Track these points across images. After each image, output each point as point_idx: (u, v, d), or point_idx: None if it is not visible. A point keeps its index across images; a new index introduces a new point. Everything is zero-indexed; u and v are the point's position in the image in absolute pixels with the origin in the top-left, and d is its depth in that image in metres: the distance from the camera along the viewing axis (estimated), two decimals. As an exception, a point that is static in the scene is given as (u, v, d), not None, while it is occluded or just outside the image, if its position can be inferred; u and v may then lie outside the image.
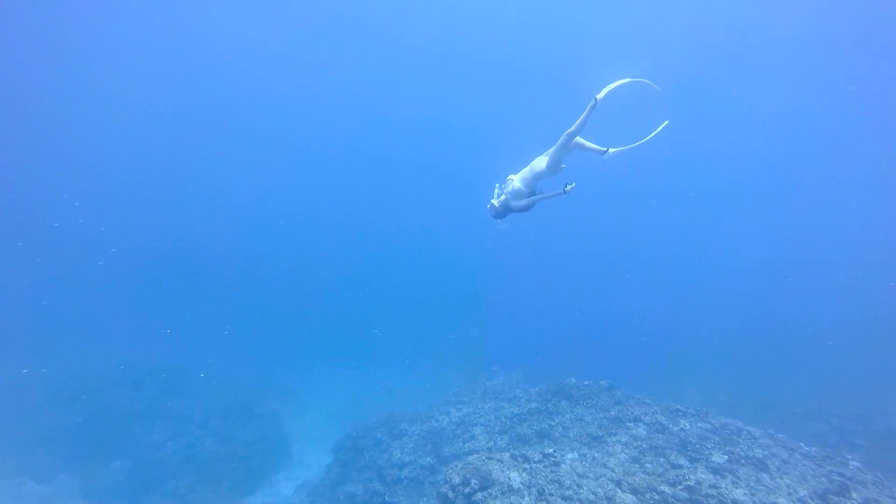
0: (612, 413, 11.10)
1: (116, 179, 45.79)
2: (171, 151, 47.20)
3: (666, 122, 7.13)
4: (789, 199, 42.90)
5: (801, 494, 7.92)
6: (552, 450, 9.03)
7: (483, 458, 8.75)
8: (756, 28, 31.46)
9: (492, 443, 11.65)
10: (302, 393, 31.30)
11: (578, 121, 6.38)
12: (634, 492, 7.92)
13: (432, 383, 24.92)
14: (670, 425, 10.20)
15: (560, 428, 11.10)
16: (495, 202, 7.61)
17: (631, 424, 10.47)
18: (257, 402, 23.09)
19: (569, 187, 6.65)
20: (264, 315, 39.44)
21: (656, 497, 7.83)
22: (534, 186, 7.18)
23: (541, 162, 7.02)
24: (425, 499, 11.98)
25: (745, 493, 7.91)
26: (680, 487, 7.96)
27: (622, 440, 9.79)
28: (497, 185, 7.76)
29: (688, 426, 10.13)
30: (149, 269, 43.06)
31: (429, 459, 12.92)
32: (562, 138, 6.58)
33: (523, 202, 7.19)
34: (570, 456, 9.25)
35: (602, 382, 12.49)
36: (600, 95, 6.34)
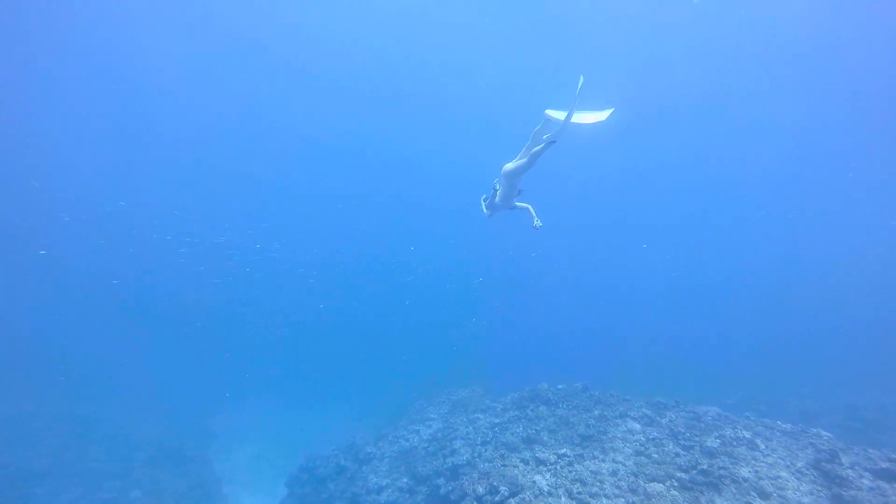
0: (596, 412, 10.98)
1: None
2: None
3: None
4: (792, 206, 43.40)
5: (799, 466, 8.18)
6: (564, 450, 8.65)
7: (498, 465, 8.18)
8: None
9: (476, 454, 11.02)
10: (220, 434, 28.55)
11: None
12: (655, 480, 7.74)
13: (370, 411, 23.65)
14: (658, 418, 10.26)
15: (546, 432, 10.76)
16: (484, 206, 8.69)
17: (619, 421, 10.39)
18: (183, 445, 20.48)
19: (536, 223, 7.75)
20: (167, 350, 35.62)
21: (676, 483, 7.71)
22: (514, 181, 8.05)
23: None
24: (408, 523, 11.04)
25: (750, 471, 8.03)
26: (695, 472, 7.91)
27: (618, 435, 9.65)
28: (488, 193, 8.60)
29: (674, 416, 10.24)
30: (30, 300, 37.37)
31: (406, 480, 11.96)
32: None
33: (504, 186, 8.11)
34: (573, 454, 8.93)
35: (576, 384, 12.40)
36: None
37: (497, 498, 7.12)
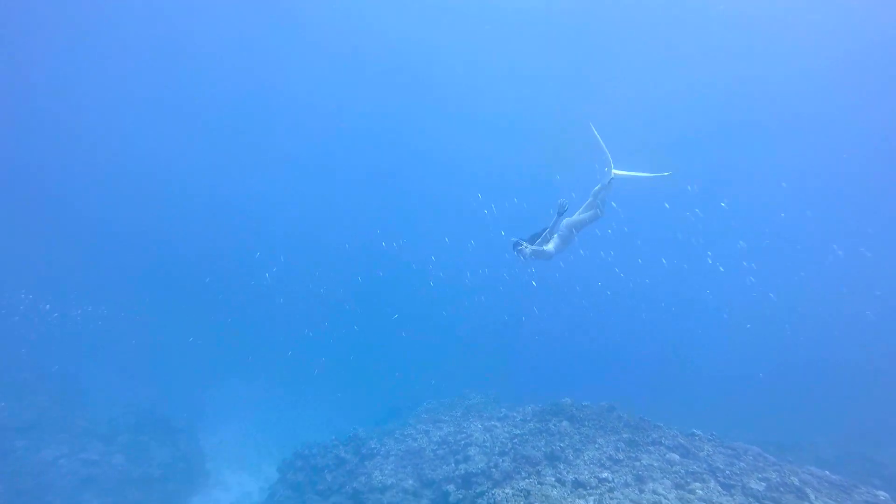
0: (625, 435, 10.15)
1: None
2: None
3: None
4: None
5: (858, 524, 7.40)
6: (605, 474, 7.84)
7: (534, 482, 7.36)
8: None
9: (493, 464, 10.20)
10: (208, 408, 27.63)
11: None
12: (704, 522, 6.95)
13: (370, 405, 22.74)
14: (694, 450, 9.45)
15: (570, 450, 9.92)
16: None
17: (651, 448, 9.58)
18: (174, 415, 19.57)
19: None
20: (166, 318, 34.50)
21: (726, 528, 6.92)
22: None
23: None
24: (412, 528, 10.21)
25: (804, 523, 7.25)
26: (748, 516, 7.13)
27: (654, 464, 8.83)
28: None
29: (711, 451, 9.44)
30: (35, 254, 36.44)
31: (411, 482, 11.14)
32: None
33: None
34: (613, 480, 8.12)
35: (602, 403, 11.60)
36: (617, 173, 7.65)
37: (539, 521, 6.31)
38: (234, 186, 47.33)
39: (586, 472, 8.35)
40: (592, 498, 7.07)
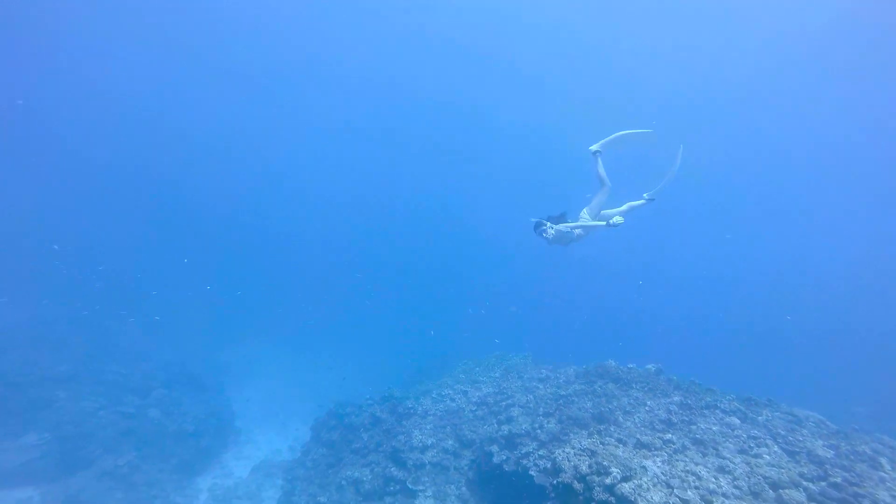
0: (676, 398, 9.68)
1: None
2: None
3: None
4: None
5: (943, 496, 6.87)
6: (670, 436, 7.40)
7: (596, 442, 6.93)
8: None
9: (537, 425, 9.84)
10: (234, 366, 27.88)
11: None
12: (781, 487, 6.49)
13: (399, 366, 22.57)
14: (752, 415, 8.95)
15: (620, 412, 9.50)
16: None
17: (707, 412, 9.10)
18: (202, 372, 19.61)
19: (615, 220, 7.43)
20: (200, 281, 34.74)
21: (803, 496, 6.44)
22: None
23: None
24: (453, 486, 9.94)
25: (888, 496, 6.73)
26: (824, 484, 6.65)
27: (714, 428, 8.36)
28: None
29: (770, 416, 8.92)
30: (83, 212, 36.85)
31: (451, 442, 10.86)
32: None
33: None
34: (679, 442, 7.68)
35: (649, 366, 11.11)
36: (595, 147, 8.01)
37: (608, 480, 5.86)
38: (277, 151, 47.93)
39: (641, 434, 7.93)
40: (660, 459, 6.64)
